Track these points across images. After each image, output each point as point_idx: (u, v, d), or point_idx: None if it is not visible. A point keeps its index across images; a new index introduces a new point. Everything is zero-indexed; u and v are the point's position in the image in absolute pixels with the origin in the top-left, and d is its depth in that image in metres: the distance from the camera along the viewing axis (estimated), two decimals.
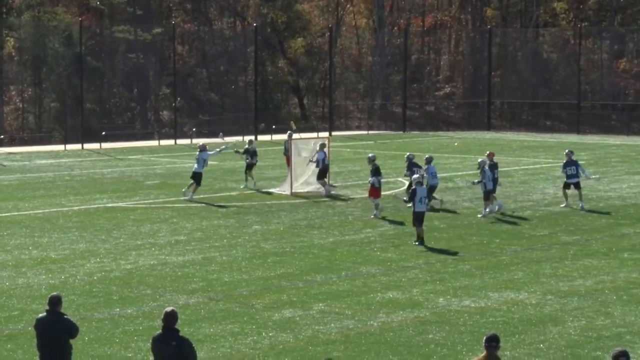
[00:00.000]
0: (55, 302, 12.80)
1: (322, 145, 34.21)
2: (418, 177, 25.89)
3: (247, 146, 36.45)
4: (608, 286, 20.36)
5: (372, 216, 28.96)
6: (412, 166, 30.54)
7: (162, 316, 12.04)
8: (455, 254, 23.83)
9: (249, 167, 36.05)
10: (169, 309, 12.12)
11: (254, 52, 65.87)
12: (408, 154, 32.06)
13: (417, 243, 24.74)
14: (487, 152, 31.51)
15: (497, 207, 29.56)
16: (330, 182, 34.82)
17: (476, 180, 29.89)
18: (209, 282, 20.77)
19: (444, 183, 37.37)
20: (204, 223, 28.12)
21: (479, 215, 29.23)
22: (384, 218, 28.78)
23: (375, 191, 29.36)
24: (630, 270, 21.94)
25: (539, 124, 70.67)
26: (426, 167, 30.76)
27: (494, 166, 30.05)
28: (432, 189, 30.83)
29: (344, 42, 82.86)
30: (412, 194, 25.17)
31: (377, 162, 30.65)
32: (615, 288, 20.18)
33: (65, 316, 12.88)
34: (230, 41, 77.89)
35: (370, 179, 29.74)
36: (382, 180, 30.64)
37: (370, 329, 17.28)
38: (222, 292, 19.88)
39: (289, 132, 38.57)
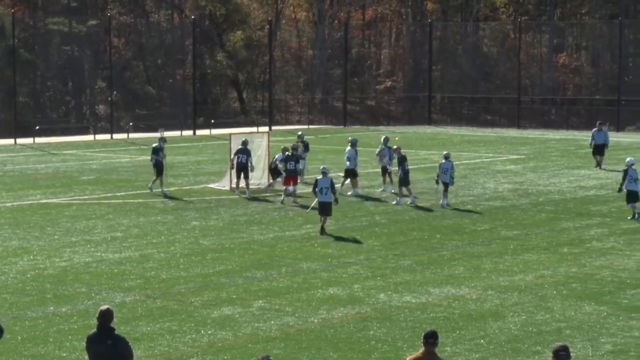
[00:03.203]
0: None
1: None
2: (323, 167, 26.60)
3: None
4: (548, 281, 20.39)
5: (284, 202, 30.27)
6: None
7: (97, 314, 11.71)
8: (396, 249, 23.70)
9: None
10: (104, 307, 11.83)
11: (192, 45, 65.22)
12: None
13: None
14: (394, 147, 32.01)
15: (412, 200, 30.32)
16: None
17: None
18: (146, 279, 20.41)
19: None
20: (141, 219, 27.68)
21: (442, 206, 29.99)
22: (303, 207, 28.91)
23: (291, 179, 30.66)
24: (570, 264, 21.99)
25: (480, 119, 71.03)
26: (382, 146, 32.74)
27: (403, 159, 30.55)
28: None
29: (284, 35, 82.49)
30: (313, 185, 25.91)
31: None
32: (555, 283, 20.21)
33: None
34: (167, 34, 76.90)
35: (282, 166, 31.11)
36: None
37: (310, 325, 17.10)
38: (160, 290, 19.54)
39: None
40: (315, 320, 17.40)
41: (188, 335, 16.49)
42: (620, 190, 28.51)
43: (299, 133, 37.97)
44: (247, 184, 31.94)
